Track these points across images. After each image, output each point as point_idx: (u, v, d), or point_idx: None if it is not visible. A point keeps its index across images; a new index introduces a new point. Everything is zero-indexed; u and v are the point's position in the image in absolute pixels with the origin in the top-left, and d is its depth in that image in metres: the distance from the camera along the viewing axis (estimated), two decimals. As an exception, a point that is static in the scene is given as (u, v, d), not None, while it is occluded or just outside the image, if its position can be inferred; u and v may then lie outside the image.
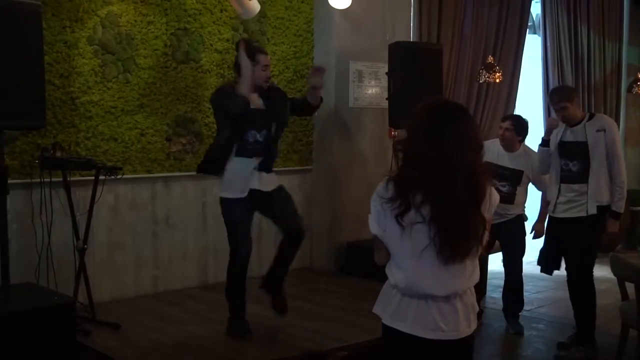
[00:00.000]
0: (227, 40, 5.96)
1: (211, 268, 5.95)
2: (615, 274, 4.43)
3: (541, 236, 5.54)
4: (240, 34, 6.02)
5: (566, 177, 5.01)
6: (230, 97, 4.29)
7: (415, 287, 2.49)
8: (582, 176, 4.93)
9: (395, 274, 2.54)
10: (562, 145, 5.06)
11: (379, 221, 2.52)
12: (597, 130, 4.90)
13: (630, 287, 4.29)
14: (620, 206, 4.86)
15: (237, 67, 4.41)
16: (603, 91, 9.10)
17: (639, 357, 4.25)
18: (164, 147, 5.65)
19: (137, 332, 4.56)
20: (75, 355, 4.01)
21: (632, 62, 9.82)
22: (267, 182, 4.50)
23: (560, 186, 5.02)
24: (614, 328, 4.80)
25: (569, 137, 5.01)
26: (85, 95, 5.19)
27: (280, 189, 4.57)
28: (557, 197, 5.05)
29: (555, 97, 5.07)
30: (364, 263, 5.67)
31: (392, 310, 2.56)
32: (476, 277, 2.55)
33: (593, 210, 4.88)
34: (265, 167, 4.49)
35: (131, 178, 5.41)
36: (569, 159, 5.01)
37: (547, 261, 5.26)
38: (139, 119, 5.49)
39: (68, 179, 4.76)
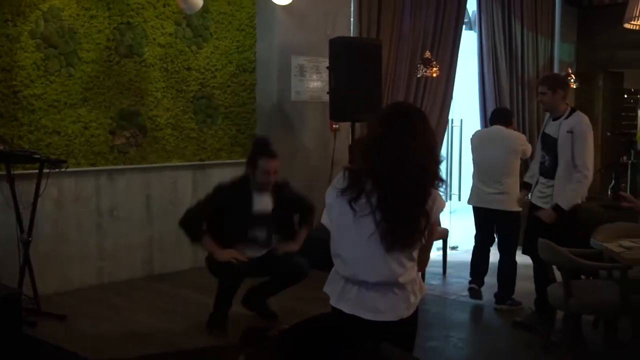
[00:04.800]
0: (170, 34, 6.02)
1: (157, 259, 6.03)
2: (544, 258, 4.67)
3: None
4: (183, 29, 6.09)
5: (542, 170, 5.18)
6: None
7: (356, 274, 2.69)
8: (552, 172, 5.05)
9: (338, 263, 2.74)
10: (543, 136, 5.20)
11: (329, 212, 2.74)
12: (568, 131, 4.98)
13: (557, 271, 4.55)
14: (565, 202, 4.95)
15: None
16: (536, 85, 9.40)
17: (565, 336, 4.49)
18: (108, 140, 5.68)
19: (83, 322, 4.62)
20: (22, 345, 4.04)
21: (563, 58, 10.18)
22: None
23: (538, 177, 5.22)
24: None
25: (549, 130, 5.13)
26: (28, 88, 5.19)
27: None
28: (536, 185, 5.26)
29: (540, 80, 5.30)
30: (309, 252, 5.85)
31: (337, 294, 2.75)
32: (416, 268, 2.75)
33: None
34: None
35: (75, 171, 5.43)
36: (545, 152, 5.15)
37: (527, 244, 5.46)
38: (83, 113, 5.51)
39: (12, 172, 4.76)
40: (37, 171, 4.76)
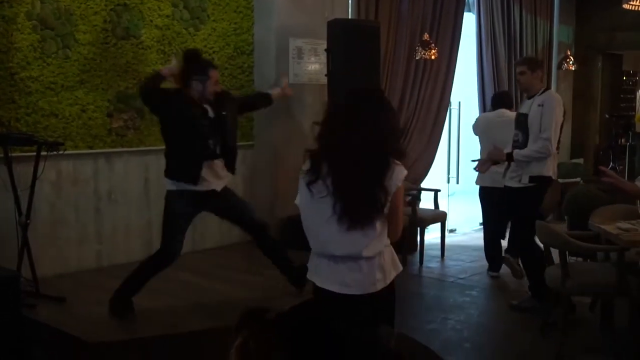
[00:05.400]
0: (167, 16, 5.99)
1: (155, 242, 5.97)
2: (541, 240, 4.70)
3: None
4: (180, 10, 6.06)
5: (514, 148, 5.27)
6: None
7: (322, 249, 2.86)
8: (524, 147, 5.20)
9: (309, 239, 2.91)
10: (517, 116, 5.41)
11: (299, 192, 2.88)
12: (539, 105, 5.15)
13: (555, 253, 4.57)
14: (520, 155, 5.14)
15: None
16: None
17: (564, 318, 4.51)
18: (105, 123, 5.67)
19: (82, 305, 4.63)
20: (22, 327, 4.06)
21: (562, 40, 10.16)
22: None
23: None
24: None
25: (523, 109, 5.34)
26: (25, 70, 5.17)
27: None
28: (509, 166, 5.35)
29: (520, 61, 5.55)
30: (304, 236, 5.88)
31: (312, 268, 2.95)
32: (384, 241, 2.85)
33: (525, 181, 5.18)
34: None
35: (73, 154, 5.43)
36: (518, 129, 5.31)
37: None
38: (80, 95, 5.49)
39: (9, 155, 4.75)
40: (34, 154, 4.74)
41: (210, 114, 4.54)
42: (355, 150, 2.73)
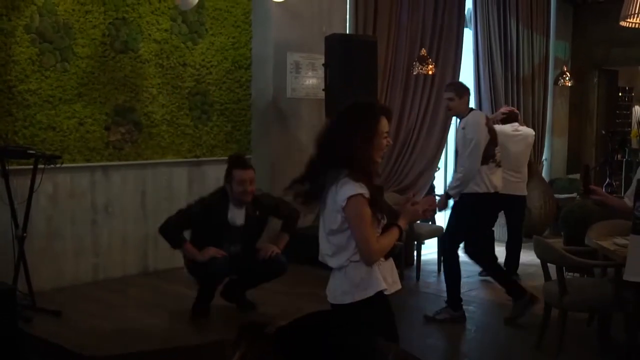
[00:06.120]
0: (166, 30, 6.01)
1: (151, 256, 6.02)
2: (537, 256, 4.70)
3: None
4: (178, 25, 6.08)
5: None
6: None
7: None
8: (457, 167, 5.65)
9: None
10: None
11: None
12: (462, 128, 5.52)
13: (552, 268, 4.57)
14: (451, 189, 5.46)
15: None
16: (531, 83, 9.43)
17: (561, 334, 4.51)
18: (103, 136, 5.67)
19: (78, 318, 4.60)
20: (18, 341, 4.04)
21: (558, 56, 10.21)
22: None
23: None
24: (539, 308, 5.09)
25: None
26: (23, 84, 5.18)
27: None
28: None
29: (447, 88, 5.79)
30: (303, 250, 5.86)
31: None
32: (346, 254, 2.93)
33: (456, 197, 5.51)
34: None
35: (70, 167, 5.42)
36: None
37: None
38: (78, 108, 5.50)
39: (6, 167, 4.75)
40: (32, 167, 4.74)
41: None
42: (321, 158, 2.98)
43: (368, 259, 2.91)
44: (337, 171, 2.89)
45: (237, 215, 4.61)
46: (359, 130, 2.90)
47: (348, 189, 2.84)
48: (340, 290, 2.94)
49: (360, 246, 2.89)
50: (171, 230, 4.59)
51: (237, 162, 4.65)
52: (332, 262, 2.96)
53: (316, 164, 2.96)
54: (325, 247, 2.99)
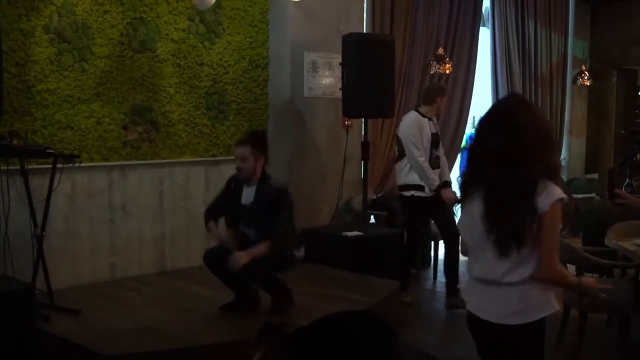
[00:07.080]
0: (183, 30, 6.02)
1: (168, 255, 6.03)
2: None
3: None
4: (196, 24, 6.09)
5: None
6: None
7: None
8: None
9: None
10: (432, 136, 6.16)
11: None
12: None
13: (571, 269, 4.53)
14: (425, 181, 5.91)
15: None
16: (549, 83, 9.39)
17: (580, 335, 4.47)
18: (121, 135, 5.69)
19: (96, 317, 4.62)
20: (36, 340, 4.06)
21: (577, 55, 10.15)
22: None
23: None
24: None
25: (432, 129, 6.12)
26: (42, 83, 5.20)
27: None
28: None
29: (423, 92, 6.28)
30: (320, 249, 5.87)
31: None
32: (528, 268, 2.65)
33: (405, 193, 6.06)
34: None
35: (88, 166, 5.44)
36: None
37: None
38: (96, 108, 5.52)
39: (25, 167, 4.77)
40: (50, 166, 4.76)
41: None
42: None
43: (550, 276, 2.61)
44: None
45: (247, 194, 4.63)
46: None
47: (554, 192, 2.56)
48: (513, 309, 2.63)
49: (544, 260, 2.56)
50: (207, 211, 4.72)
51: (243, 139, 4.79)
52: (508, 278, 2.61)
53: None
54: (492, 263, 2.64)
